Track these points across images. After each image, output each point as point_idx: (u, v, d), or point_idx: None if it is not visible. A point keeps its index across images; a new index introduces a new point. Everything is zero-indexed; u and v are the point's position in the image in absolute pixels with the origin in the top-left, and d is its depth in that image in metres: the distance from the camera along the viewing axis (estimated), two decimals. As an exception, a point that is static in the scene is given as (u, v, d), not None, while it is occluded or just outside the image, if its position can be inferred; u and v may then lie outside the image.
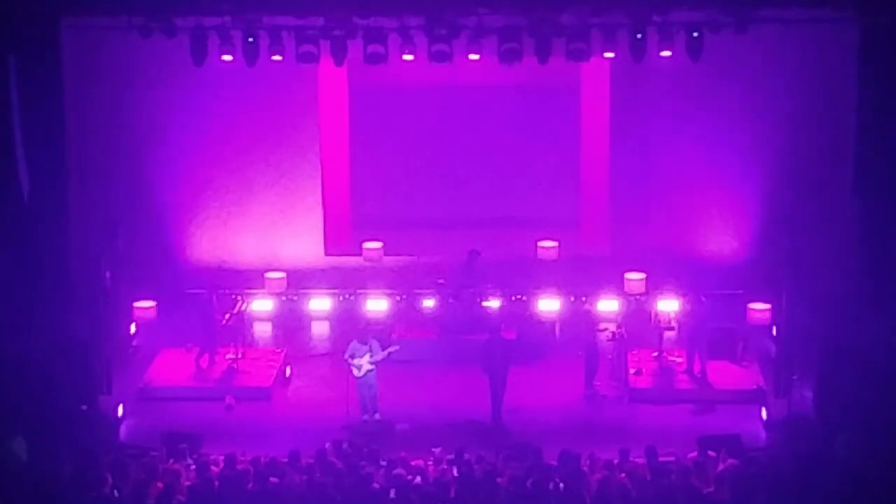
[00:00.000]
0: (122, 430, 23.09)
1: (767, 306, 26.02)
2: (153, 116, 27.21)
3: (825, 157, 26.69)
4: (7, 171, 23.29)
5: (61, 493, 18.49)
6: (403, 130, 29.29)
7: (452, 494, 18.60)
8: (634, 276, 27.53)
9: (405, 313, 27.00)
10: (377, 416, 23.31)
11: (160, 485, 18.73)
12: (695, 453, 20.53)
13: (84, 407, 22.77)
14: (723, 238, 27.71)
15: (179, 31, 23.72)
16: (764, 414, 23.09)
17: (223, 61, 24.26)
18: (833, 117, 26.41)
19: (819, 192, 26.76)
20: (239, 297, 25.88)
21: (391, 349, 23.54)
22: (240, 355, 25.28)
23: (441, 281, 26.52)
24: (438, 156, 29.31)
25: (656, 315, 25.40)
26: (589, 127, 28.65)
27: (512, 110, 29.13)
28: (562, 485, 18.86)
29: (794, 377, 23.57)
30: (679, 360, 25.01)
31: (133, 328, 26.22)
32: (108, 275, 24.55)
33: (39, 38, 23.14)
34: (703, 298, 24.83)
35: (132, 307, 26.39)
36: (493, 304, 26.55)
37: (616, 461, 20.01)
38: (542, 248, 28.44)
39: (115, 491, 18.79)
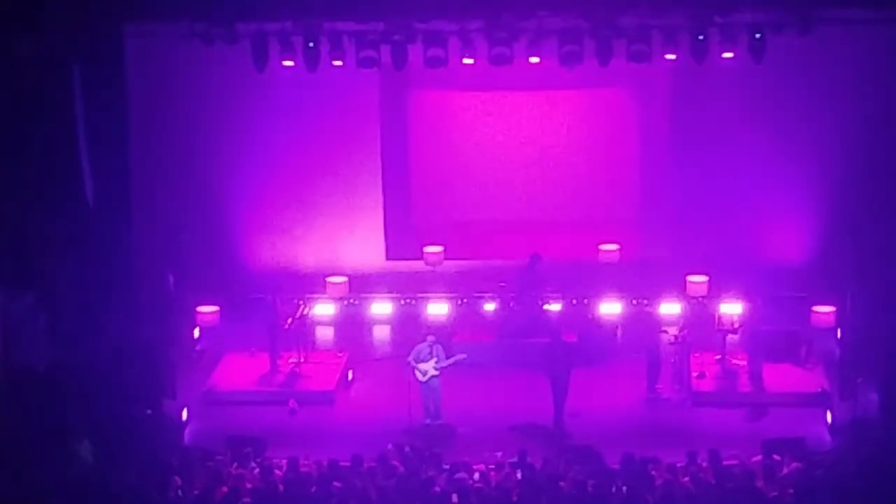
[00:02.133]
0: (187, 433, 23.23)
1: (832, 309, 25.83)
2: (215, 122, 27.37)
3: (890, 159, 26.45)
4: (72, 177, 23.50)
5: (127, 497, 18.64)
6: (464, 134, 29.29)
7: (515, 498, 18.59)
8: (697, 278, 27.43)
9: (466, 317, 27.03)
10: (440, 419, 23.32)
11: (225, 489, 18.85)
12: (759, 457, 20.41)
13: (149, 411, 22.93)
14: (786, 240, 27.51)
15: (240, 37, 23.84)
16: (829, 417, 22.91)
17: (284, 67, 24.36)
18: (897, 119, 26.23)
19: (883, 194, 26.51)
20: (301, 302, 25.97)
21: (458, 357, 23.52)
22: (302, 359, 25.38)
23: (502, 284, 26.50)
24: (499, 159, 29.28)
25: (719, 318, 25.27)
26: (650, 129, 28.57)
27: (573, 113, 29.07)
28: (625, 488, 18.80)
29: (859, 380, 23.36)
30: (742, 363, 24.86)
31: (197, 332, 26.37)
32: (171, 279, 24.73)
33: (103, 45, 23.33)
34: (759, 301, 24.66)
35: (196, 312, 26.56)
36: (555, 307, 26.53)
37: (679, 465, 19.93)
38: (604, 251, 28.37)
39: (181, 493, 18.93)
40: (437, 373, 23.25)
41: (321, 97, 27.17)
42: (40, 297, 23.37)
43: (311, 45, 24.02)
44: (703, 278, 27.41)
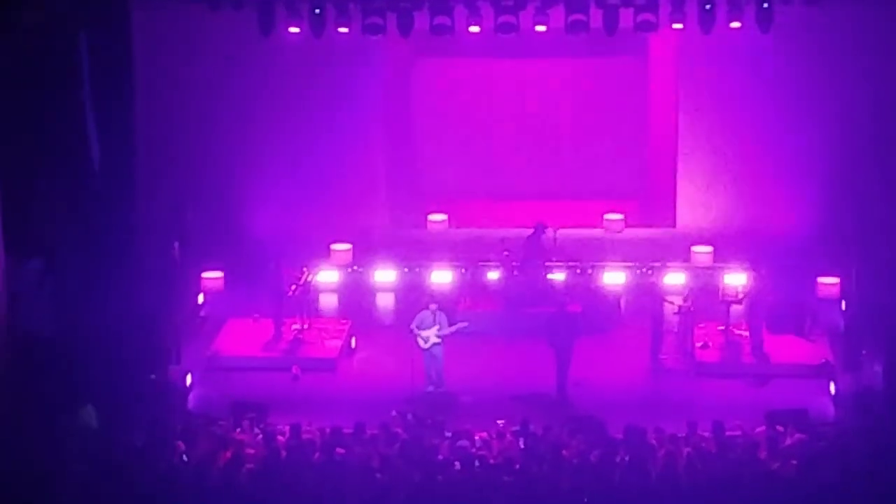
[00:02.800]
0: (191, 399, 23.29)
1: (836, 280, 25.86)
2: (221, 89, 27.32)
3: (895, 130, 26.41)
4: (78, 143, 23.48)
5: (132, 461, 18.70)
6: (469, 102, 29.24)
7: (517, 466, 18.62)
8: (701, 249, 27.44)
9: (470, 286, 27.05)
10: (442, 387, 23.35)
11: (228, 454, 18.90)
12: (762, 428, 20.42)
13: (153, 376, 22.98)
14: (791, 211, 27.48)
15: (247, 3, 23.76)
16: (832, 389, 22.92)
17: (290, 33, 24.29)
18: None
19: (889, 166, 26.45)
20: (305, 269, 25.98)
21: (460, 325, 23.53)
22: (306, 326, 25.41)
23: (506, 253, 26.49)
24: (504, 128, 29.25)
25: (723, 288, 25.27)
26: (656, 99, 28.53)
27: (579, 82, 29.01)
28: (627, 458, 18.83)
29: (863, 352, 23.40)
30: (745, 333, 24.86)
31: (201, 298, 26.42)
32: (176, 246, 24.74)
33: (109, 13, 23.27)
34: (764, 272, 24.66)
35: (200, 278, 26.60)
36: (559, 276, 26.53)
37: (682, 435, 19.95)
38: (609, 220, 28.37)
39: (184, 458, 18.99)
40: (439, 340, 23.27)
41: (326, 64, 27.11)
42: (46, 263, 23.40)
43: (317, 11, 23.94)
44: (707, 249, 27.43)
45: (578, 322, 24.02)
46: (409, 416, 20.98)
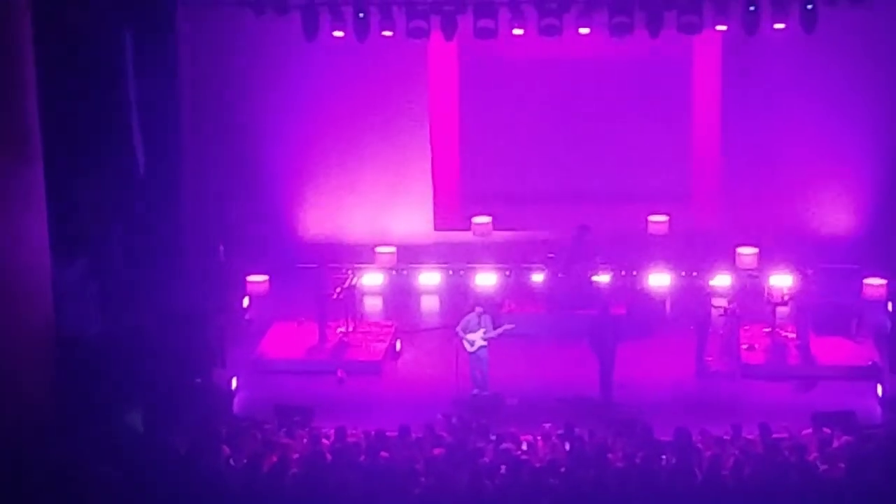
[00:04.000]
0: (236, 402, 23.35)
1: (884, 282, 25.69)
2: (265, 92, 27.42)
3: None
4: (123, 146, 23.61)
5: (177, 465, 18.76)
6: (513, 105, 29.20)
7: (563, 470, 18.58)
8: (747, 250, 27.32)
9: (514, 288, 27.02)
10: (487, 390, 23.33)
11: (274, 458, 18.94)
12: (809, 430, 20.31)
13: (198, 380, 23.05)
14: (837, 212, 27.32)
15: (291, 7, 23.84)
16: (879, 391, 22.77)
17: (334, 37, 24.35)
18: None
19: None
20: (350, 272, 26.02)
21: (506, 327, 23.50)
22: (350, 329, 25.45)
23: (551, 256, 26.45)
24: (548, 130, 29.18)
25: (769, 290, 25.14)
26: (701, 100, 28.41)
27: (623, 84, 28.90)
28: (673, 461, 18.76)
29: (911, 353, 23.25)
30: (792, 335, 24.73)
31: (246, 302, 26.49)
32: (221, 249, 24.84)
33: (155, 14, 23.40)
34: (809, 272, 24.52)
35: (245, 281, 26.69)
36: (603, 279, 26.46)
37: (728, 437, 19.87)
38: (653, 222, 28.28)
39: (230, 462, 19.04)
40: (485, 343, 23.25)
41: (371, 68, 27.16)
42: (91, 265, 23.52)
43: (361, 15, 24.00)
44: (753, 250, 27.29)
45: (621, 324, 23.96)
46: (454, 420, 20.97)
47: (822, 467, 18.60)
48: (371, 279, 27.39)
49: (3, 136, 20.53)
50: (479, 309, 23.46)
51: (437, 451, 19.43)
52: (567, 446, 19.78)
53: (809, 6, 23.42)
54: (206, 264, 24.69)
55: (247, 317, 26.35)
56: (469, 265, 27.61)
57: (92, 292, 23.46)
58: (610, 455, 19.12)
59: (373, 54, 26.08)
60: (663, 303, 26.59)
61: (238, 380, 23.64)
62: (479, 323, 23.29)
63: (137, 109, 23.85)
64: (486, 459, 19.11)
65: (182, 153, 24.57)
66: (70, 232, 23.04)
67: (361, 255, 27.54)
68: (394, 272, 27.87)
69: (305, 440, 20.13)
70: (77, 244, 23.37)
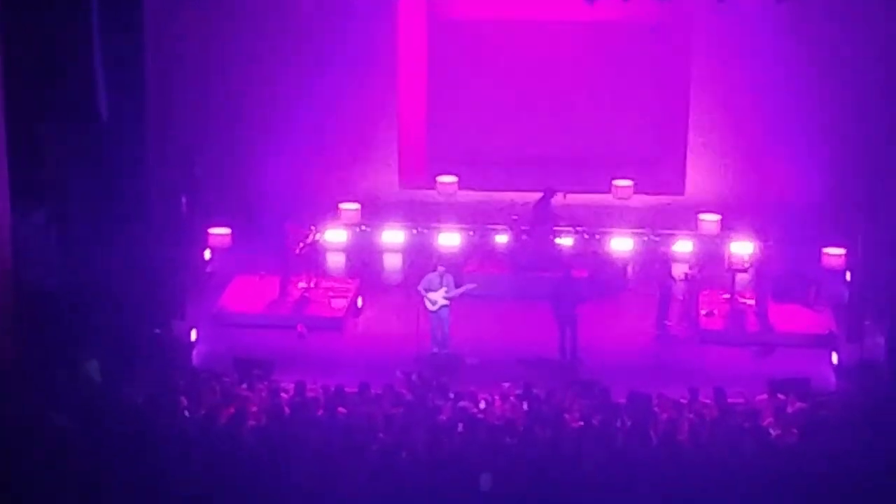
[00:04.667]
0: (195, 354, 23.34)
1: (842, 251, 25.85)
2: (232, 45, 27.28)
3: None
4: (86, 92, 23.43)
5: (134, 416, 18.76)
6: (481, 66, 29.17)
7: (520, 429, 18.67)
8: (709, 217, 27.42)
9: (478, 248, 27.05)
10: (447, 349, 23.39)
11: (231, 410, 18.96)
12: (764, 396, 20.48)
13: (158, 331, 23.02)
14: (799, 182, 27.42)
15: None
16: (835, 359, 22.96)
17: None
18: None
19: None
20: (313, 227, 25.99)
21: (468, 287, 23.56)
22: (312, 285, 25.45)
23: (515, 217, 26.50)
24: (516, 91, 29.17)
25: (729, 257, 25.28)
26: (669, 67, 28.45)
27: (591, 48, 28.92)
28: (629, 423, 18.89)
29: (867, 322, 23.40)
30: (750, 302, 24.89)
31: (208, 254, 26.43)
32: (184, 201, 24.73)
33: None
34: (769, 241, 24.64)
35: (207, 233, 26.62)
36: (566, 242, 26.53)
37: (684, 401, 20.00)
38: (618, 186, 28.34)
39: (188, 413, 19.05)
40: (446, 302, 23.30)
41: (338, 23, 27.07)
42: (52, 214, 23.39)
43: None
44: (715, 217, 27.41)
45: (583, 287, 24.04)
46: (414, 377, 21.04)
47: (776, 433, 18.76)
48: (334, 235, 27.36)
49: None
50: (441, 268, 23.50)
51: (396, 408, 19.49)
52: (525, 406, 19.87)
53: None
54: (169, 216, 24.58)
55: (208, 269, 26.30)
56: (433, 224, 27.61)
57: (52, 242, 23.34)
58: (567, 416, 19.23)
59: (340, 10, 25.99)
60: (625, 267, 26.70)
61: (198, 332, 23.63)
62: (440, 282, 23.33)
63: (102, 56, 23.67)
64: (444, 417, 19.19)
65: (146, 104, 24.41)
66: (31, 181, 22.89)
67: (325, 210, 27.49)
68: (357, 229, 27.85)
69: (264, 394, 20.16)
70: (38, 194, 23.22)
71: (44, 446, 17.70)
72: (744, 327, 24.51)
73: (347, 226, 27.71)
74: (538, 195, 26.42)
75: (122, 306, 22.51)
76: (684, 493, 16.81)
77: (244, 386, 20.43)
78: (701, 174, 27.86)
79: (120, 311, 22.43)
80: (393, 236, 27.70)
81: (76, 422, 18.42)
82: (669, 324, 24.47)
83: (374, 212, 27.93)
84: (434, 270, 23.50)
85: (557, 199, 26.34)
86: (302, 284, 25.42)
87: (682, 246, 26.84)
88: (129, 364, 21.20)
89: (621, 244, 27.06)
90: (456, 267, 25.00)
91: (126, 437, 17.89)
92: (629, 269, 26.70)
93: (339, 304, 25.03)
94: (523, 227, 26.28)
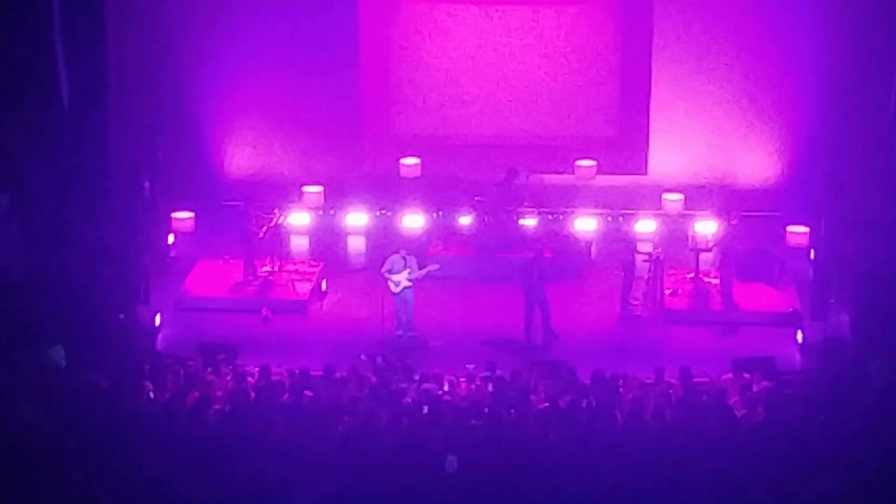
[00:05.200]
0: (159, 339, 23.27)
1: (806, 229, 25.93)
2: (194, 29, 27.13)
3: (868, 80, 26.44)
4: (47, 79, 23.30)
5: (98, 401, 18.67)
6: (444, 47, 29.12)
7: (485, 410, 18.68)
8: (672, 196, 27.46)
9: (441, 230, 27.02)
10: (412, 331, 23.37)
11: (196, 394, 18.91)
12: (729, 375, 20.54)
13: (122, 316, 22.93)
14: (762, 160, 27.52)
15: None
16: (800, 337, 23.05)
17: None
18: (878, 39, 26.19)
19: (860, 116, 26.52)
20: (276, 211, 25.89)
21: (430, 268, 23.56)
22: (276, 268, 25.38)
23: (478, 198, 26.46)
24: (478, 73, 29.14)
25: (693, 236, 25.33)
26: (629, 46, 28.47)
27: (554, 29, 28.91)
28: (594, 403, 18.91)
29: (831, 301, 23.49)
30: (715, 281, 24.94)
31: (171, 239, 26.32)
32: (146, 185, 24.63)
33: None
34: (733, 220, 24.71)
35: (170, 218, 26.50)
36: (530, 222, 26.53)
37: (650, 381, 20.04)
38: (580, 167, 28.35)
39: (152, 397, 18.98)
40: (409, 284, 23.28)
41: (301, 4, 26.96)
42: (15, 201, 23.26)
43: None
44: (678, 196, 27.45)
45: (547, 267, 24.03)
46: (379, 360, 21.01)
47: (742, 412, 18.83)
48: (298, 218, 27.24)
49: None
50: (403, 250, 23.46)
51: (360, 391, 19.47)
52: (490, 387, 19.88)
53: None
54: (131, 200, 24.46)
55: (172, 254, 26.19)
56: (397, 206, 27.55)
57: (15, 228, 23.21)
58: (532, 397, 19.25)
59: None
60: (589, 247, 26.70)
61: (162, 317, 23.55)
62: (404, 264, 23.30)
63: (63, 43, 23.53)
64: (409, 399, 19.18)
65: (107, 88, 24.29)
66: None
67: (288, 194, 27.39)
68: (320, 212, 27.78)
69: (229, 378, 20.10)
70: (0, 179, 23.08)
71: (8, 431, 17.60)
72: (708, 306, 24.56)
73: (311, 209, 27.63)
74: (501, 176, 26.41)
75: (86, 292, 22.40)
76: (650, 473, 16.83)
77: (209, 370, 20.37)
78: (664, 153, 27.89)
79: (84, 296, 22.31)
80: (357, 219, 27.62)
81: (41, 407, 18.31)
82: (634, 304, 24.50)
83: (338, 194, 27.85)
84: (396, 252, 23.47)
85: (520, 179, 26.34)
86: (266, 268, 25.35)
87: (646, 226, 26.88)
88: (94, 349, 21.08)
89: (585, 224, 27.06)
90: (420, 249, 24.97)
91: (89, 421, 17.81)
92: (593, 249, 26.71)
93: (304, 287, 24.98)
94: (486, 209, 26.26)
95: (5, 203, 23.16)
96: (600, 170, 28.33)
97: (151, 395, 19.14)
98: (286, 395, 19.19)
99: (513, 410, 18.70)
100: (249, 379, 20.07)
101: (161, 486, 16.57)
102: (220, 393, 19.35)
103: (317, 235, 27.45)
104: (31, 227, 23.14)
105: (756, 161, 27.54)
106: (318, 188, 27.84)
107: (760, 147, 27.55)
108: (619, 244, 25.64)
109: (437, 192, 27.85)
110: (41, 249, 22.85)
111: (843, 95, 26.67)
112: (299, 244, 27.19)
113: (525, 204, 26.50)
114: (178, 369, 20.28)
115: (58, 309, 21.84)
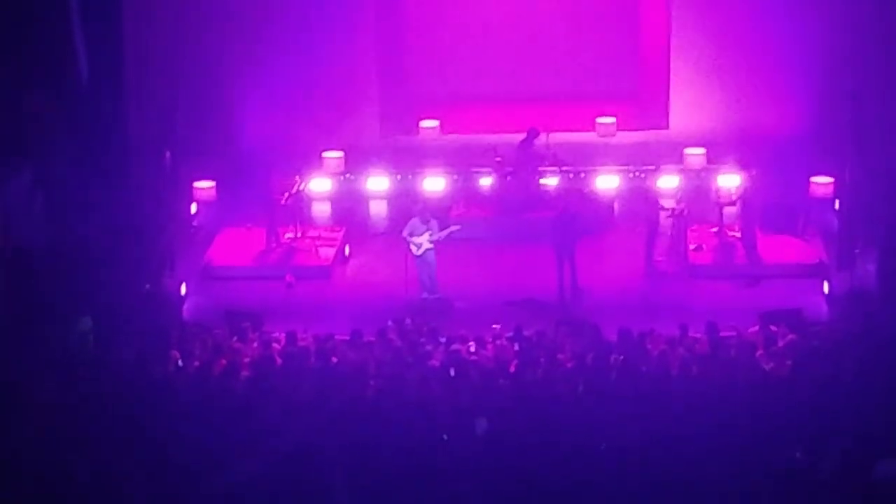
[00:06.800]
0: (185, 308, 23.33)
1: (830, 180, 25.81)
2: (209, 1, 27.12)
3: (892, 27, 26.22)
4: (66, 53, 23.28)
5: (126, 372, 18.74)
6: (460, 6, 29.02)
7: (512, 370, 18.67)
8: (694, 151, 27.35)
9: (463, 192, 26.99)
10: (436, 293, 23.37)
11: (224, 362, 18.95)
12: (756, 328, 20.47)
13: (147, 287, 22.98)
14: (785, 111, 27.36)
15: None
16: (826, 288, 22.96)
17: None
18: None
19: (885, 66, 26.33)
20: (297, 177, 25.89)
21: (452, 229, 23.54)
22: (299, 234, 25.39)
23: (499, 159, 26.40)
24: (496, 31, 29.05)
25: (717, 190, 25.24)
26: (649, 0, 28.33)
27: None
28: (621, 358, 18.87)
29: (857, 251, 23.40)
30: (738, 235, 24.85)
31: (194, 208, 26.36)
32: (168, 155, 24.64)
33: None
34: (756, 173, 24.60)
35: (192, 187, 26.53)
36: (552, 181, 26.46)
37: (676, 336, 19.99)
38: (601, 124, 28.25)
39: (181, 366, 19.03)
40: (431, 246, 23.27)
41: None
42: (37, 175, 23.29)
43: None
44: (700, 150, 27.35)
45: (575, 224, 23.93)
46: (408, 321, 21.01)
47: (769, 365, 18.75)
48: (319, 184, 27.28)
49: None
50: (425, 213, 23.44)
51: (387, 354, 19.48)
52: (516, 347, 19.87)
53: None
54: (153, 172, 24.49)
55: (195, 223, 26.24)
56: (417, 169, 27.52)
57: (38, 203, 23.25)
58: (559, 355, 19.22)
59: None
60: (612, 205, 26.65)
61: (187, 286, 23.60)
62: (425, 227, 23.28)
63: (80, 16, 23.49)
64: (436, 362, 19.17)
65: (125, 61, 24.24)
66: (14, 142, 22.77)
67: (309, 160, 27.38)
68: (341, 177, 27.76)
69: (256, 345, 20.14)
70: (22, 155, 23.11)
71: (34, 412, 17.68)
72: (733, 260, 24.49)
73: (331, 174, 27.63)
74: (521, 136, 26.33)
75: (111, 264, 22.44)
76: (678, 430, 16.80)
77: (235, 338, 20.41)
78: (685, 107, 27.76)
79: (109, 268, 22.34)
80: (377, 183, 27.61)
81: (69, 379, 18.38)
82: (658, 260, 24.44)
83: (358, 159, 27.83)
84: (418, 215, 23.45)
85: (541, 139, 26.26)
86: (289, 235, 25.37)
87: (668, 181, 26.79)
88: (120, 321, 21.16)
89: (607, 182, 27.01)
90: (442, 211, 24.95)
91: (118, 392, 17.87)
92: (615, 206, 26.65)
93: (327, 252, 24.99)
94: (507, 169, 26.20)
95: (28, 178, 23.19)
96: (621, 126, 28.23)
97: (179, 363, 19.18)
98: (312, 361, 19.20)
99: (539, 370, 18.67)
100: (276, 345, 20.10)
101: (191, 455, 16.62)
102: (246, 360, 19.38)
103: (338, 201, 27.45)
104: (55, 201, 23.16)
105: (778, 112, 27.37)
106: (339, 153, 27.82)
107: (783, 97, 27.38)
108: (641, 201, 25.54)
109: (457, 153, 27.81)
110: (65, 223, 22.87)
111: (866, 43, 26.45)
112: (321, 210, 27.22)
113: (546, 163, 26.42)
114: (205, 337, 20.32)
115: (83, 282, 21.89)
